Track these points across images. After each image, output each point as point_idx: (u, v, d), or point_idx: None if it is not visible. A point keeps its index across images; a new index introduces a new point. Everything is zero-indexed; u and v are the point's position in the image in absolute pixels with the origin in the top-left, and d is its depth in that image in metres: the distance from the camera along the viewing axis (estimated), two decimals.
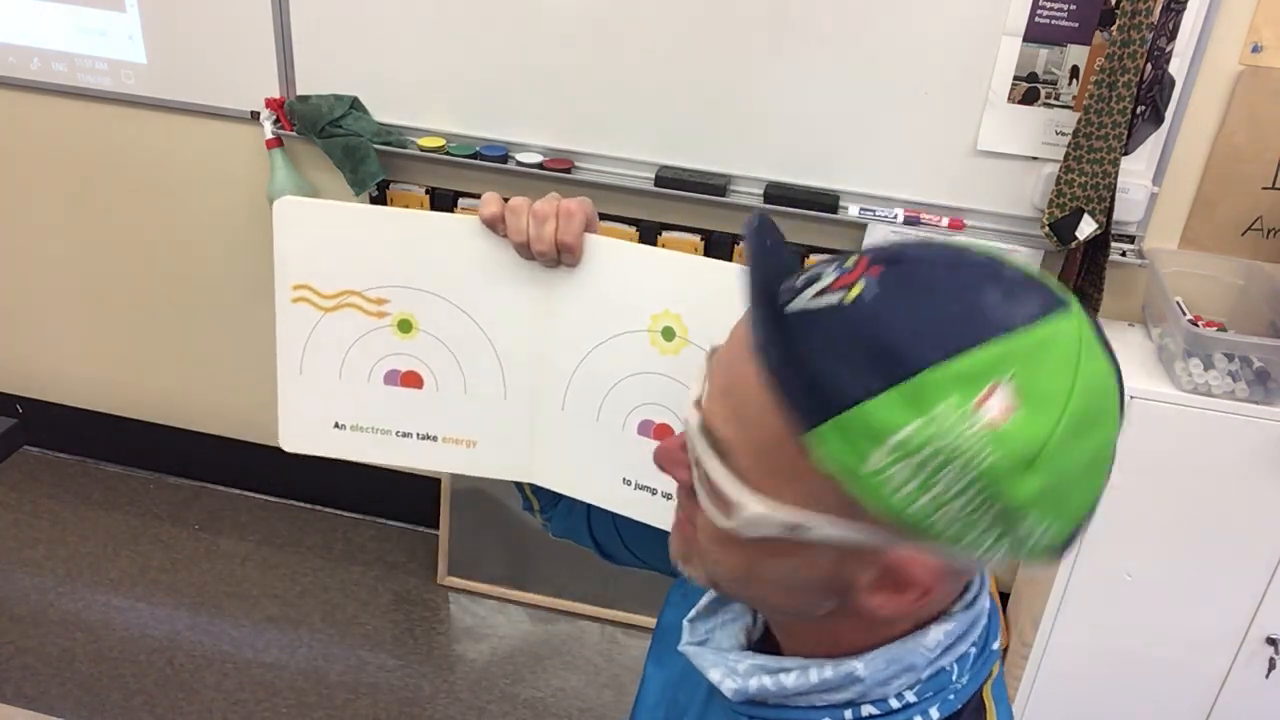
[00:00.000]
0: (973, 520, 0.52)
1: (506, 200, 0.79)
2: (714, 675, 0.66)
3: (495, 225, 0.79)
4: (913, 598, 0.57)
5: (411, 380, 0.86)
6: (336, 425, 0.89)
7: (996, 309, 0.52)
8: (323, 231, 0.82)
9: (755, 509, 0.56)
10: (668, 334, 0.79)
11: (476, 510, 2.42)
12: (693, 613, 0.71)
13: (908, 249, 0.56)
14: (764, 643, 0.70)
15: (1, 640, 2.24)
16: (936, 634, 0.61)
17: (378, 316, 0.84)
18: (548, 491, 0.93)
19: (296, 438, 0.90)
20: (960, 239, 0.56)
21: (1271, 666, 1.89)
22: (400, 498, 2.61)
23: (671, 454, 0.63)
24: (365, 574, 2.52)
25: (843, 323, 0.53)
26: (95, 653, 2.24)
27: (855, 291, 0.53)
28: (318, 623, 2.36)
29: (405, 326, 0.84)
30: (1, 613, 2.31)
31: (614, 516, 0.92)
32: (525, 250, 0.79)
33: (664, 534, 0.89)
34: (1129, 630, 1.91)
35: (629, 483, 0.85)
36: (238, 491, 2.73)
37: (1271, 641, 1.88)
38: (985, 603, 0.64)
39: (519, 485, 0.95)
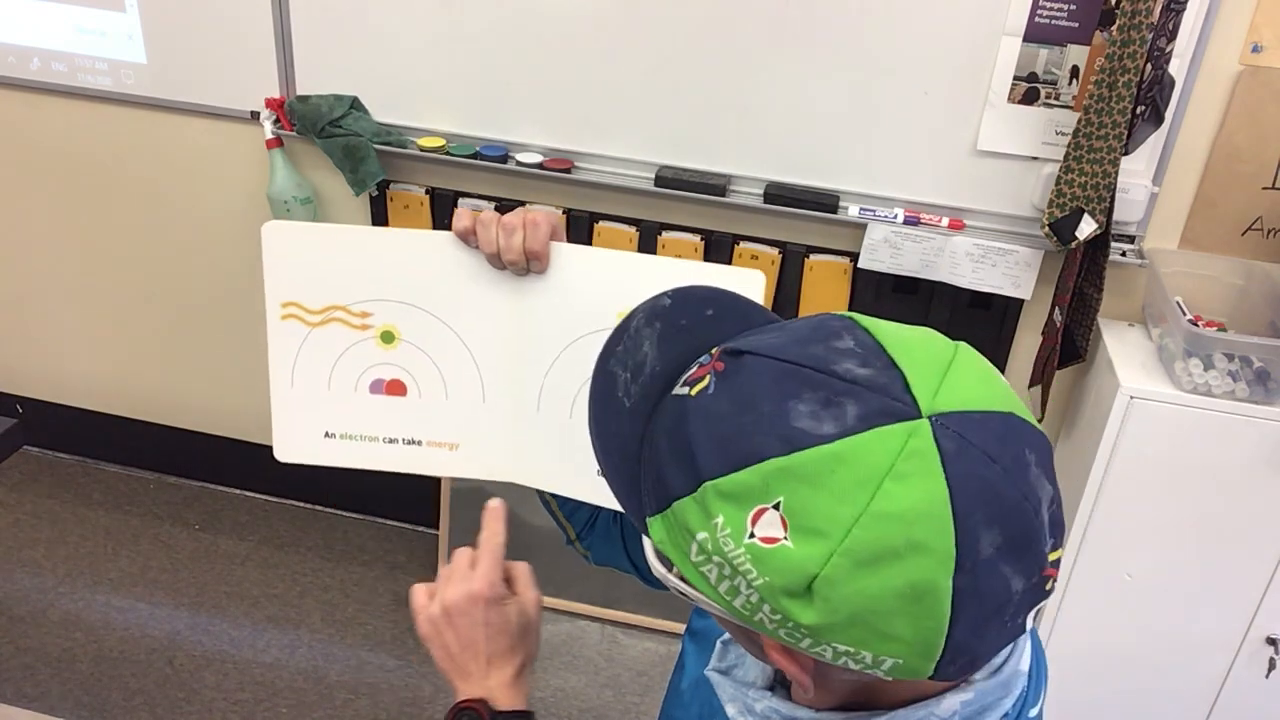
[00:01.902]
0: (789, 630, 0.51)
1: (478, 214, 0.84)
2: (730, 710, 0.67)
3: (467, 238, 0.84)
4: (799, 689, 0.57)
5: (395, 388, 0.90)
6: (327, 435, 0.93)
7: (793, 423, 0.49)
8: (308, 252, 0.87)
9: (656, 565, 0.58)
10: None
11: (476, 510, 2.41)
12: (728, 634, 0.72)
13: (764, 337, 0.54)
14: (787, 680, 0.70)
15: (1, 640, 2.24)
16: (952, 703, 0.59)
17: (362, 329, 0.89)
18: (581, 518, 0.97)
19: (290, 449, 0.94)
20: (850, 317, 0.57)
21: (1271, 666, 1.89)
22: (400, 498, 2.61)
23: None
24: (365, 574, 2.52)
25: (679, 417, 0.54)
26: (95, 653, 2.24)
27: (700, 385, 0.54)
28: (318, 623, 2.36)
29: (388, 337, 0.89)
30: (1, 613, 2.31)
31: None
32: (496, 260, 0.84)
33: None
34: (1129, 630, 1.91)
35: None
36: (238, 491, 2.73)
37: (1271, 641, 1.88)
38: (1020, 667, 0.61)
39: (554, 515, 0.99)
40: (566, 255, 0.85)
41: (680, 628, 2.39)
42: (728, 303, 0.62)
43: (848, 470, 0.48)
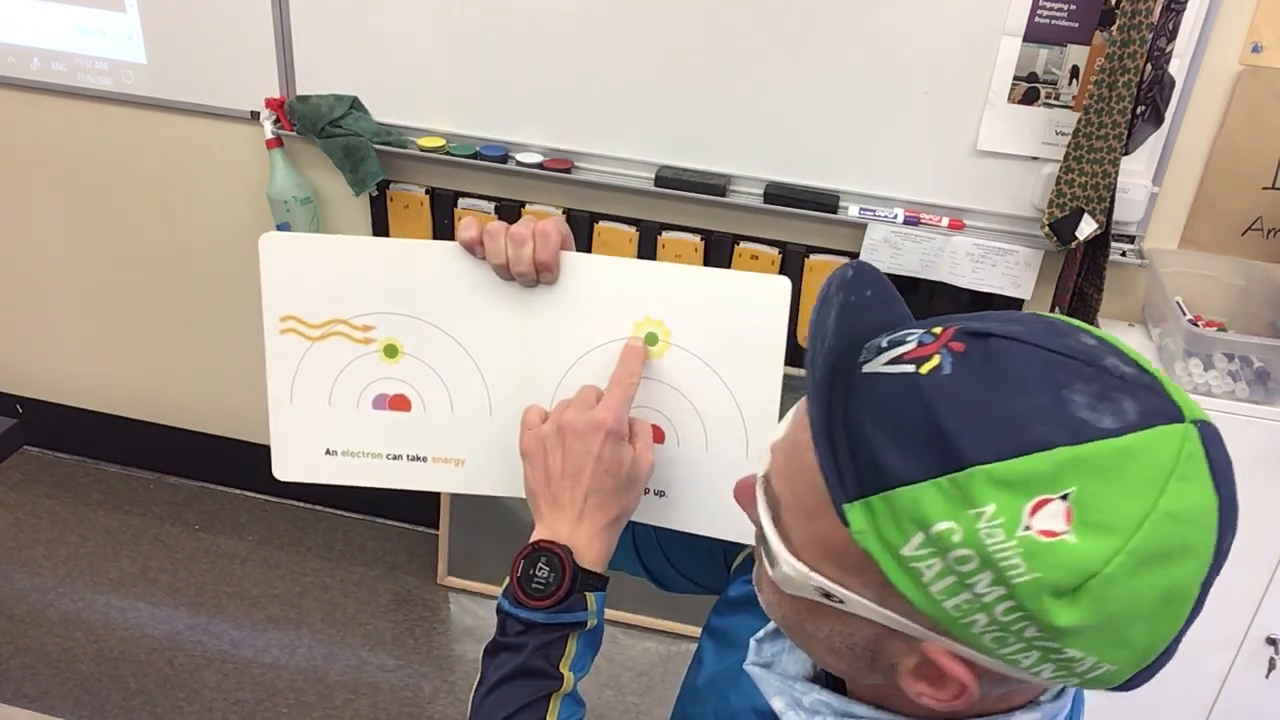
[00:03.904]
0: (1010, 633, 0.49)
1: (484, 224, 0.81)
2: (777, 704, 0.65)
3: (474, 249, 0.81)
4: (949, 695, 0.54)
5: (399, 403, 0.88)
6: (328, 452, 0.91)
7: (1077, 411, 0.47)
8: (307, 264, 0.84)
9: (793, 569, 0.55)
10: (651, 339, 0.82)
11: (476, 510, 2.43)
12: (761, 632, 0.70)
13: (1004, 324, 0.51)
14: (829, 676, 0.69)
15: (1, 640, 2.24)
16: None
17: (364, 343, 0.86)
18: None
19: (289, 466, 0.92)
20: (1063, 319, 0.54)
21: (1271, 666, 1.89)
22: (400, 498, 2.61)
23: (744, 493, 0.62)
24: (365, 574, 2.52)
25: (908, 395, 0.50)
26: (95, 653, 2.24)
27: (930, 364, 0.50)
28: (318, 623, 2.36)
29: (391, 351, 0.86)
30: (1, 613, 2.31)
31: (659, 540, 0.94)
32: (504, 271, 0.81)
33: (709, 551, 0.90)
34: None
35: None
36: (238, 491, 2.73)
37: (1271, 641, 1.88)
38: (1071, 692, 0.61)
39: None
40: (577, 265, 0.82)
41: (680, 628, 2.39)
42: (881, 286, 0.60)
43: (1138, 466, 0.46)
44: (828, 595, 0.54)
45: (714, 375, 0.81)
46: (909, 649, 0.54)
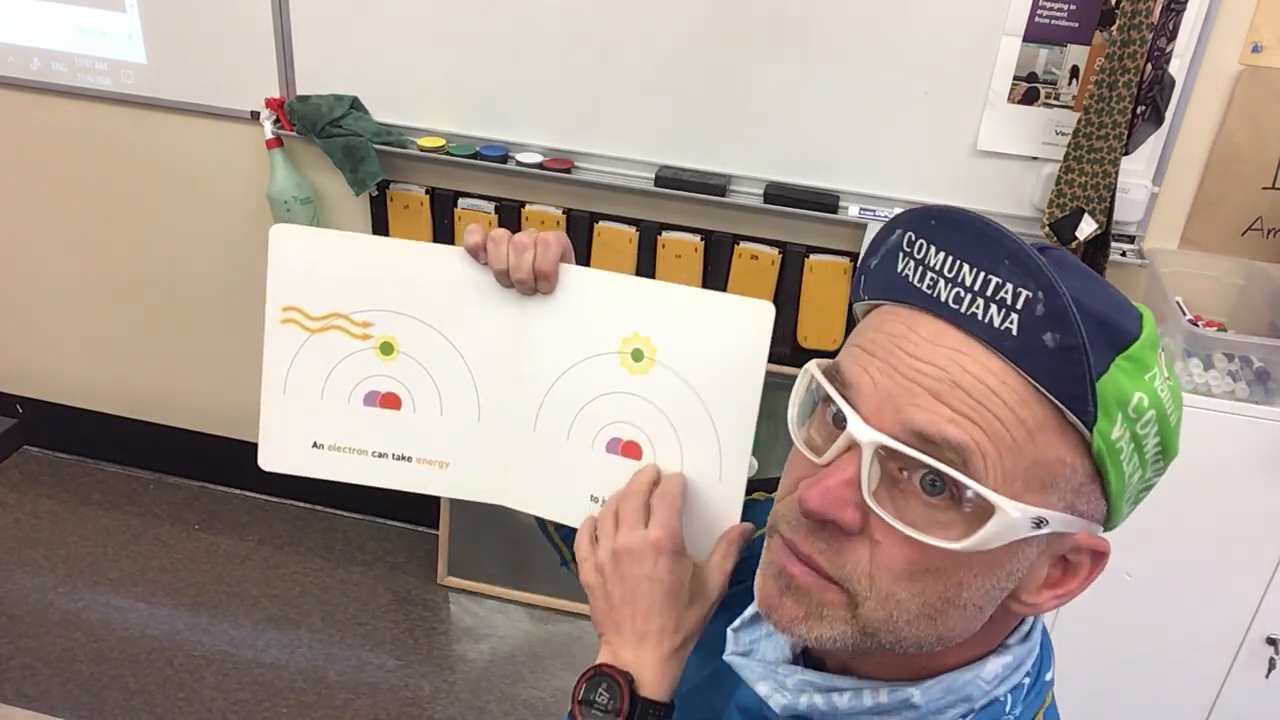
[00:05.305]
0: (1147, 487, 0.57)
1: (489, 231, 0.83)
2: (761, 689, 0.66)
3: (477, 254, 0.83)
4: (1079, 582, 0.58)
5: (390, 401, 0.89)
6: (315, 445, 0.92)
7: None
8: (315, 257, 0.86)
9: (1015, 508, 0.52)
10: (636, 355, 0.83)
11: (476, 510, 2.43)
12: (737, 622, 0.71)
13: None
14: (806, 655, 0.70)
15: (1, 640, 2.24)
16: (994, 666, 0.61)
17: (361, 339, 0.87)
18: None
19: (275, 457, 0.92)
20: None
21: (1271, 666, 1.89)
22: (400, 498, 2.59)
23: (836, 495, 0.55)
24: (365, 574, 2.52)
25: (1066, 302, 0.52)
26: (95, 653, 2.24)
27: None
28: (318, 623, 2.36)
29: (387, 349, 0.87)
30: (1, 613, 2.31)
31: None
32: (504, 277, 0.83)
33: None
34: (1129, 631, 1.91)
35: (596, 500, 0.87)
36: (238, 491, 2.73)
37: (1271, 641, 1.88)
38: (1039, 635, 0.64)
39: (549, 538, 0.97)
40: (574, 277, 0.83)
41: None
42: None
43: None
44: (1039, 522, 0.53)
45: (694, 395, 0.82)
46: (1050, 556, 0.57)
